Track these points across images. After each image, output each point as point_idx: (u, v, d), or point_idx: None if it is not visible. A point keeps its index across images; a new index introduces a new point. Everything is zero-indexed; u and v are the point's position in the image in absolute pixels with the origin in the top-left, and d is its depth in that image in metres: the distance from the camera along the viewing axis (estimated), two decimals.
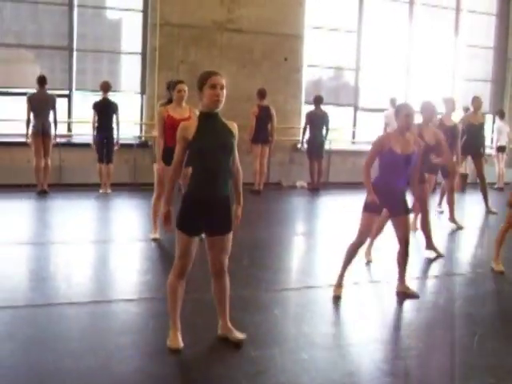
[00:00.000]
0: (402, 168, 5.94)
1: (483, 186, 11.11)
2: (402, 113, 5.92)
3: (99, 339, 4.83)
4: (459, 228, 9.59)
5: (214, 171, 4.43)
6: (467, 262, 8.11)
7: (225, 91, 4.45)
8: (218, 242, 4.58)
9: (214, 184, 4.44)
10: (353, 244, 6.13)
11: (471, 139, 11.05)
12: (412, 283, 6.36)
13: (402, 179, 6.02)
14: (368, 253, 7.33)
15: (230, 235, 4.61)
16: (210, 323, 5.09)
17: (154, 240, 7.87)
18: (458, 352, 4.96)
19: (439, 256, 7.84)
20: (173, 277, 4.62)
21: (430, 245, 7.95)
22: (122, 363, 4.41)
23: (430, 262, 7.71)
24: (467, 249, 9.03)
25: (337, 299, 5.97)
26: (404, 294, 6.15)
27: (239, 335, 4.79)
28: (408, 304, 6.05)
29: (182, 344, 4.58)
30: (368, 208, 5.96)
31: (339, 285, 6.09)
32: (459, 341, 5.15)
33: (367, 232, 6.12)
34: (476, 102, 11.25)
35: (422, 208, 7.58)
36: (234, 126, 4.56)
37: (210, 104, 4.43)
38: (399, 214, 6.02)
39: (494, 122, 15.47)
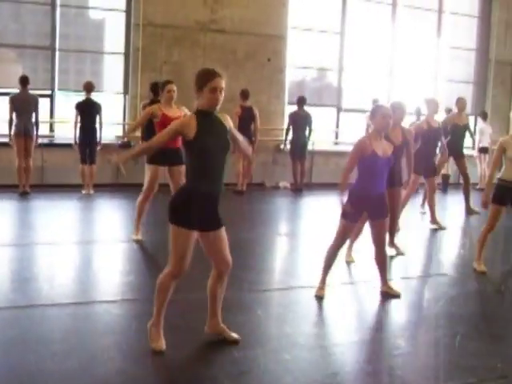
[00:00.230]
0: (383, 171, 5.95)
1: (466, 186, 11.17)
2: (378, 114, 5.91)
3: (81, 340, 4.81)
4: (441, 228, 9.64)
5: (213, 170, 4.44)
6: (449, 262, 8.15)
7: (223, 91, 4.44)
8: (214, 236, 4.54)
9: (212, 182, 4.44)
10: (331, 247, 6.13)
11: (456, 140, 11.10)
12: (394, 284, 6.39)
13: (381, 184, 6.00)
14: (348, 254, 7.35)
15: (223, 230, 4.59)
16: (192, 324, 5.09)
17: (136, 241, 7.85)
18: (440, 352, 5.00)
19: (399, 254, 7.81)
20: (168, 277, 4.52)
21: (392, 243, 7.89)
22: (105, 365, 4.40)
23: (412, 262, 7.75)
24: (449, 249, 9.08)
25: (319, 300, 5.98)
26: (387, 293, 6.17)
27: (234, 335, 4.81)
28: (390, 304, 6.08)
29: (164, 346, 4.57)
30: (345, 216, 5.96)
31: (321, 287, 6.09)
32: (441, 341, 5.18)
33: (344, 237, 6.11)
34: (460, 103, 11.31)
35: (393, 210, 7.48)
36: (226, 119, 4.58)
37: (208, 106, 4.42)
38: (378, 217, 6.03)
39: (475, 123, 15.60)
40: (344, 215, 5.97)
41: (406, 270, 7.47)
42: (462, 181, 11.37)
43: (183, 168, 7.30)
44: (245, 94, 12.19)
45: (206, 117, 4.43)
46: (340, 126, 14.94)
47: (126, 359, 4.52)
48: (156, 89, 11.59)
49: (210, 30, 12.91)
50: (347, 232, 6.09)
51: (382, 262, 6.18)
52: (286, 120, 13.23)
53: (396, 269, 7.29)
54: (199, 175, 4.42)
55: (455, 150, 11.06)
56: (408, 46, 15.44)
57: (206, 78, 4.39)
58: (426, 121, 9.31)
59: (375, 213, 6.01)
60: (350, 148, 6.14)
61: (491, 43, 16.15)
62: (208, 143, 4.37)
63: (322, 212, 11.06)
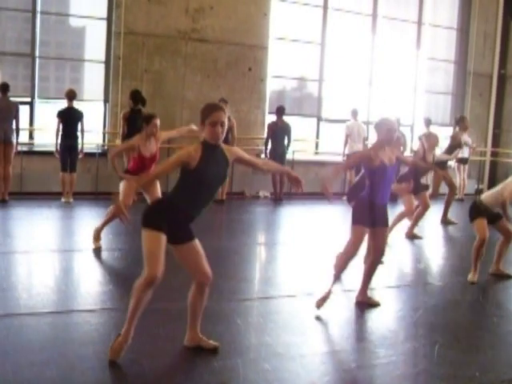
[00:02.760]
0: (391, 179, 6.10)
1: (452, 197, 11.31)
2: (384, 127, 5.99)
3: (60, 350, 4.78)
4: (417, 238, 9.68)
5: (203, 199, 4.51)
6: (428, 272, 8.20)
7: (226, 124, 4.46)
8: (189, 248, 4.54)
9: (198, 208, 4.51)
10: (344, 256, 6.11)
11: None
12: (374, 293, 6.42)
13: (386, 194, 6.10)
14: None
15: (197, 241, 4.59)
16: (171, 334, 5.08)
17: (96, 249, 7.84)
18: (419, 361, 5.02)
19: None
20: (142, 284, 4.43)
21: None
22: (84, 374, 4.37)
23: (391, 272, 7.79)
24: (428, 259, 9.13)
25: (305, 309, 5.96)
26: (365, 303, 6.20)
27: (213, 342, 4.80)
28: (370, 313, 6.11)
29: (118, 358, 4.49)
30: (357, 221, 6.00)
31: (324, 299, 6.00)
32: (420, 350, 5.21)
33: (359, 244, 6.07)
34: (466, 121, 11.64)
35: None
36: (231, 153, 4.59)
37: (209, 139, 4.43)
38: (380, 225, 6.09)
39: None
40: (355, 220, 6.00)
41: (385, 280, 7.50)
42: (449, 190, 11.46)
43: (157, 183, 7.48)
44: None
45: (210, 148, 4.44)
46: (320, 135, 15.00)
47: (105, 369, 4.48)
48: (136, 97, 11.63)
49: (191, 39, 12.93)
50: (362, 237, 6.07)
51: (373, 270, 6.24)
52: (266, 129, 13.28)
53: (375, 278, 7.32)
54: (187, 199, 4.44)
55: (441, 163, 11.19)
56: (388, 57, 15.56)
57: (207, 111, 4.43)
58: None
59: (379, 221, 6.07)
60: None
61: (470, 55, 16.32)
62: (207, 175, 4.40)
63: (301, 221, 11.09)
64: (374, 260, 6.21)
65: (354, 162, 6.14)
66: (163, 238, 4.41)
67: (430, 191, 10.17)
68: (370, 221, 6.01)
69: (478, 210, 7.24)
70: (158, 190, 7.64)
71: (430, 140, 10.00)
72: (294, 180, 4.83)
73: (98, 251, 7.83)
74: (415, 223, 9.71)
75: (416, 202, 9.49)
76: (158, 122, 7.58)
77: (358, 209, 6.08)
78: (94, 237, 7.94)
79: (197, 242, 4.58)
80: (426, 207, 9.65)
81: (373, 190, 6.03)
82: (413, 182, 8.46)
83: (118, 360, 4.48)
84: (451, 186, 11.32)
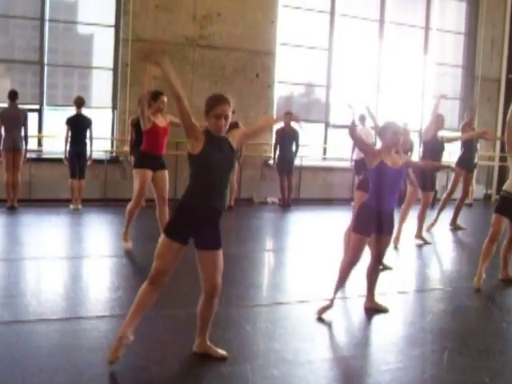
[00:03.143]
0: (394, 184, 5.95)
1: (462, 203, 11.23)
2: (389, 130, 5.95)
3: (69, 357, 4.78)
4: (427, 243, 9.66)
5: (217, 185, 4.44)
6: (437, 277, 8.18)
7: (230, 116, 4.48)
8: (210, 256, 4.53)
9: (215, 196, 4.44)
10: (345, 264, 6.07)
11: (468, 154, 11.30)
12: (382, 299, 6.40)
13: (392, 200, 5.99)
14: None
15: (221, 252, 4.57)
16: (180, 340, 5.08)
17: (127, 251, 8.00)
18: (428, 367, 5.01)
19: (387, 269, 7.78)
20: (147, 284, 4.50)
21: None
22: (93, 381, 4.37)
23: (400, 278, 7.77)
24: (437, 264, 9.10)
25: (320, 319, 5.91)
26: (374, 309, 6.18)
27: (221, 351, 4.78)
28: (379, 319, 6.09)
29: (115, 361, 4.49)
30: (358, 230, 5.94)
31: (326, 308, 5.98)
32: (429, 356, 5.19)
33: (359, 253, 5.97)
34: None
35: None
36: (234, 139, 4.60)
37: (213, 131, 4.45)
38: (384, 233, 6.02)
39: None
40: (357, 229, 5.94)
41: (393, 285, 7.48)
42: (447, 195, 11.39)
43: (166, 173, 7.95)
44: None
45: (214, 137, 4.45)
46: (328, 141, 15.00)
47: (114, 376, 4.49)
48: None
49: (198, 45, 12.97)
50: (361, 247, 5.96)
51: (374, 275, 6.20)
52: (274, 135, 13.28)
53: (385, 284, 7.31)
54: (202, 189, 4.41)
55: (468, 164, 11.16)
56: (395, 62, 15.55)
57: (212, 103, 4.46)
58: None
59: (385, 229, 6.01)
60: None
61: (477, 60, 16.30)
62: (213, 159, 4.38)
63: (310, 227, 11.08)
64: (374, 266, 6.17)
65: (362, 142, 6.09)
66: (179, 247, 4.42)
67: (446, 192, 10.21)
68: (374, 228, 5.94)
69: (503, 204, 7.20)
70: (167, 188, 8.01)
71: (438, 123, 9.83)
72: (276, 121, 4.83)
73: (128, 253, 7.97)
74: (421, 224, 9.72)
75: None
76: (165, 98, 7.87)
77: (360, 216, 5.99)
78: (124, 239, 8.12)
79: (220, 253, 4.57)
80: (426, 205, 9.70)
81: (377, 195, 5.92)
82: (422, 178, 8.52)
83: (116, 362, 4.45)
84: (465, 191, 11.21)
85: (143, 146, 8.01)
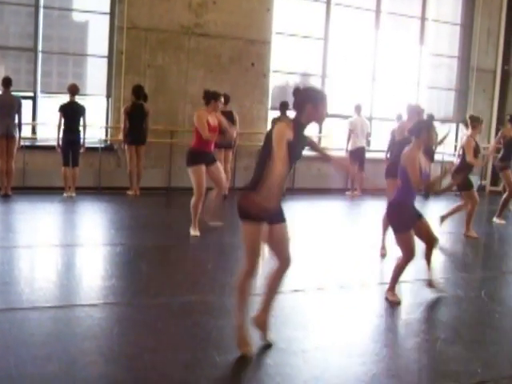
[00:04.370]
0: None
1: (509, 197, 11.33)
2: (426, 129, 6.05)
3: (62, 344, 4.78)
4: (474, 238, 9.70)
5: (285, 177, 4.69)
6: (431, 268, 8.18)
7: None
8: (283, 229, 4.89)
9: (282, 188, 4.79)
10: (403, 263, 6.24)
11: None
12: (376, 289, 6.41)
13: (415, 195, 6.23)
14: (383, 247, 7.96)
15: (287, 226, 4.92)
16: (173, 328, 5.08)
17: (194, 236, 8.20)
18: (421, 357, 5.03)
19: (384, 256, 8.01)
20: (245, 276, 4.75)
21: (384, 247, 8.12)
22: (86, 369, 4.38)
23: (391, 268, 7.77)
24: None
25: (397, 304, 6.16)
26: (387, 299, 6.29)
27: (269, 338, 4.93)
28: (372, 309, 6.10)
29: (252, 350, 4.67)
30: (402, 230, 6.07)
31: (393, 293, 6.30)
32: (422, 346, 5.21)
33: (413, 248, 6.11)
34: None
35: None
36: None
37: (311, 120, 4.99)
38: (420, 217, 6.24)
39: (457, 130, 15.75)
40: (403, 228, 6.08)
41: (386, 276, 7.49)
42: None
43: (219, 164, 8.93)
44: (225, 99, 12.20)
45: (301, 128, 4.87)
46: (323, 131, 14.98)
47: (107, 363, 4.49)
48: (138, 92, 11.66)
49: (194, 33, 12.91)
50: (412, 241, 6.11)
51: (430, 256, 6.61)
52: (269, 125, 13.25)
53: (376, 274, 7.33)
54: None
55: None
56: (391, 52, 15.53)
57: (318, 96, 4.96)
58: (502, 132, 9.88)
59: (418, 214, 6.26)
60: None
61: (473, 51, 16.28)
62: (294, 150, 4.68)
63: (304, 217, 11.07)
64: (430, 248, 6.49)
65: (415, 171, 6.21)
66: (262, 228, 4.69)
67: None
68: (413, 221, 6.15)
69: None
70: (224, 178, 9.04)
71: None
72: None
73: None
74: (469, 222, 9.75)
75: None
76: (222, 99, 8.89)
77: (401, 217, 6.12)
78: (193, 227, 8.39)
79: (287, 225, 4.88)
80: (474, 203, 9.74)
81: (410, 194, 6.12)
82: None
83: (251, 354, 4.66)
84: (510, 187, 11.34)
85: (195, 143, 8.59)
